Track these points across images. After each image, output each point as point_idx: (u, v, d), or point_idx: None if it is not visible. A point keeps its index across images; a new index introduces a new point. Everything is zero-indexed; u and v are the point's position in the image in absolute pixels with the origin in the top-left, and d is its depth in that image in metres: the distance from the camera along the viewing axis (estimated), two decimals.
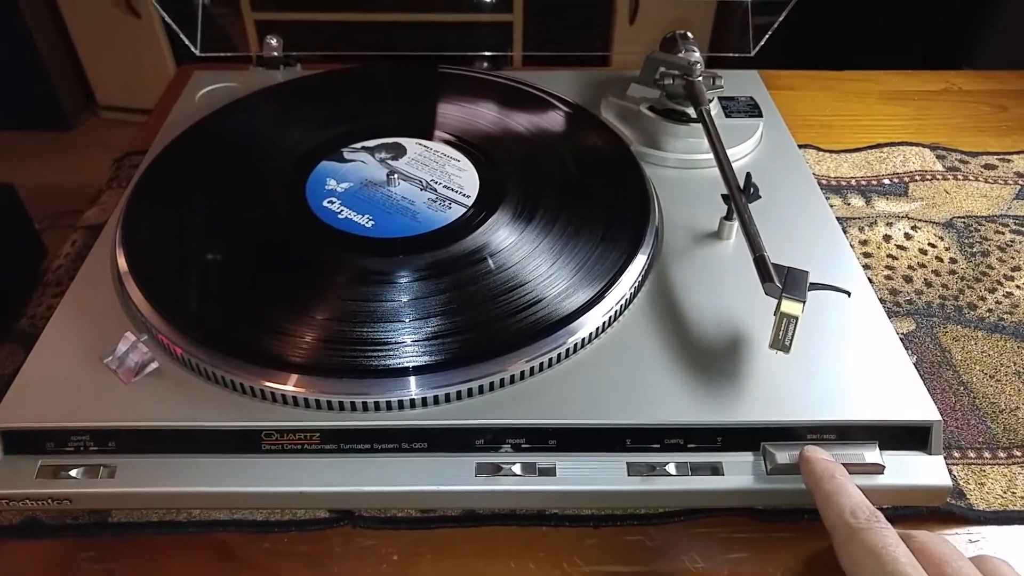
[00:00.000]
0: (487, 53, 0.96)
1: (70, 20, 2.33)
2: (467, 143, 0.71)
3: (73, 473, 0.49)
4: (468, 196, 0.64)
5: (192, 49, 0.85)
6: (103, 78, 2.47)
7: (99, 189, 0.80)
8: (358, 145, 0.70)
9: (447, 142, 0.71)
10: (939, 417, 0.50)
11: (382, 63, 0.86)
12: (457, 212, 0.63)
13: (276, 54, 0.87)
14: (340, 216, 0.62)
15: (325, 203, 0.63)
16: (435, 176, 0.66)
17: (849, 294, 0.54)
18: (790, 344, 0.48)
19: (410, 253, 0.59)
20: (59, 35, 2.39)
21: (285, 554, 0.50)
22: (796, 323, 0.48)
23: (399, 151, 0.70)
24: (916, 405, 0.50)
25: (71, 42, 2.38)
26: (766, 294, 0.51)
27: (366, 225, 0.61)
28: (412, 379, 0.50)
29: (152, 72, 2.30)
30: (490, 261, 0.57)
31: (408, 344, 0.52)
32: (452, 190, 0.65)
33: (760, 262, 0.52)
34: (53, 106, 2.44)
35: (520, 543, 0.51)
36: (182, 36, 0.83)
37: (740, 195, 0.58)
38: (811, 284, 0.50)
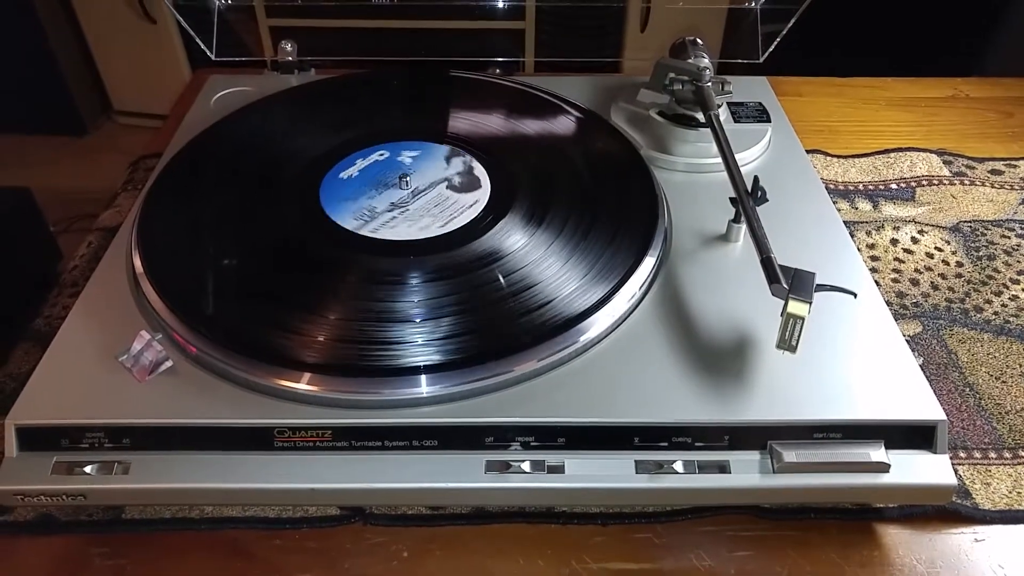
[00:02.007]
0: (499, 59, 0.97)
1: (86, 26, 2.35)
2: (480, 147, 0.71)
3: (88, 469, 0.49)
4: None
5: (208, 54, 0.86)
6: (119, 83, 2.49)
7: (114, 192, 0.81)
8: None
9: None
10: (944, 416, 0.50)
11: (395, 67, 0.86)
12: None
13: (291, 59, 0.88)
14: None
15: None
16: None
17: (855, 295, 0.54)
18: (797, 344, 0.49)
19: (421, 255, 0.60)
20: (76, 41, 2.40)
21: (296, 550, 0.51)
22: (803, 324, 0.49)
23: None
24: (921, 404, 0.51)
25: (87, 48, 2.40)
26: (773, 295, 0.51)
27: None
28: (423, 377, 0.50)
29: (167, 78, 2.32)
30: (501, 280, 0.58)
31: (419, 343, 0.52)
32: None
33: (767, 263, 0.53)
34: (69, 111, 2.45)
35: (529, 540, 0.51)
36: (198, 41, 0.84)
37: (748, 198, 0.59)
38: (817, 285, 0.51)
